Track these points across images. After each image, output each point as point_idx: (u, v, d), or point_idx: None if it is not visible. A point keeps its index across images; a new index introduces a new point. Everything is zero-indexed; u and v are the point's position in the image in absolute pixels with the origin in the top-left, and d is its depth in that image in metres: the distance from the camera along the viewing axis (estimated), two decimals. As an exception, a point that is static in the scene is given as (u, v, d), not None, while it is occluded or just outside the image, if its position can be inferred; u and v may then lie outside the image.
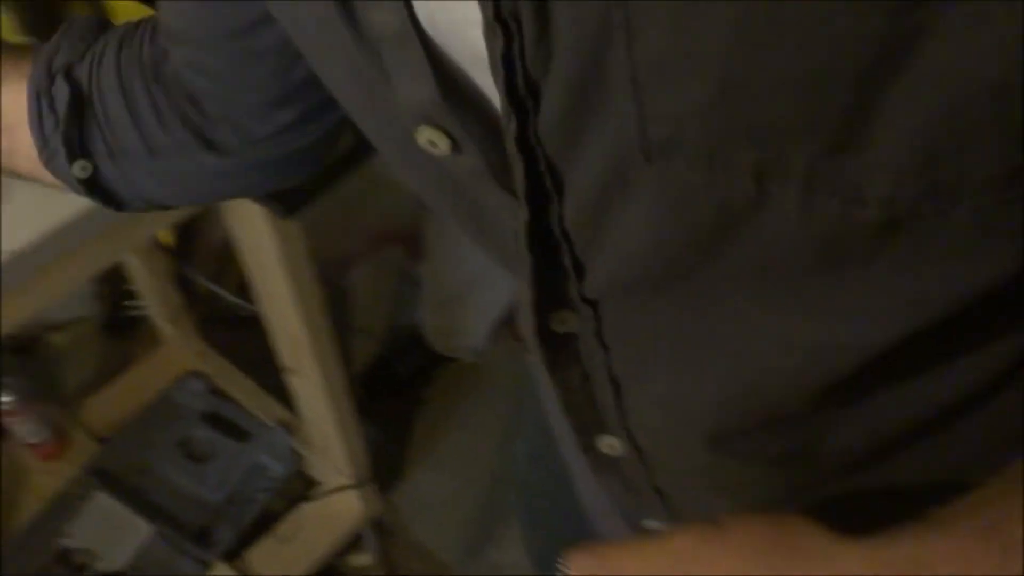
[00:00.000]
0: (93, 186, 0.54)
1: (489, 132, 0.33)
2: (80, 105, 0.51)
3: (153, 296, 1.47)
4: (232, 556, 1.32)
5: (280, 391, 1.49)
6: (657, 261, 0.34)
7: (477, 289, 1.48)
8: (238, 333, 1.67)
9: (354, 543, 1.41)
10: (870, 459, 0.43)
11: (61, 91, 0.51)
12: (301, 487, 1.43)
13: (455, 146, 0.34)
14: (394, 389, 1.58)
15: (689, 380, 0.40)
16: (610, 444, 0.46)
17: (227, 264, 1.78)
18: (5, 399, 1.32)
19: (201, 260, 1.71)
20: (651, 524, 0.52)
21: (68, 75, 0.52)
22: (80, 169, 0.52)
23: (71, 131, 0.52)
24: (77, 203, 0.71)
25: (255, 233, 0.90)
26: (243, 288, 1.73)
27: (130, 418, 1.45)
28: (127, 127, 0.52)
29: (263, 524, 1.37)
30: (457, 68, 0.33)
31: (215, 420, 1.44)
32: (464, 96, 0.33)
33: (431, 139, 0.34)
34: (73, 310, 1.72)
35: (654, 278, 0.35)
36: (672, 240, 0.33)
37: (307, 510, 1.37)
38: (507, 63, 0.29)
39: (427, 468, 1.56)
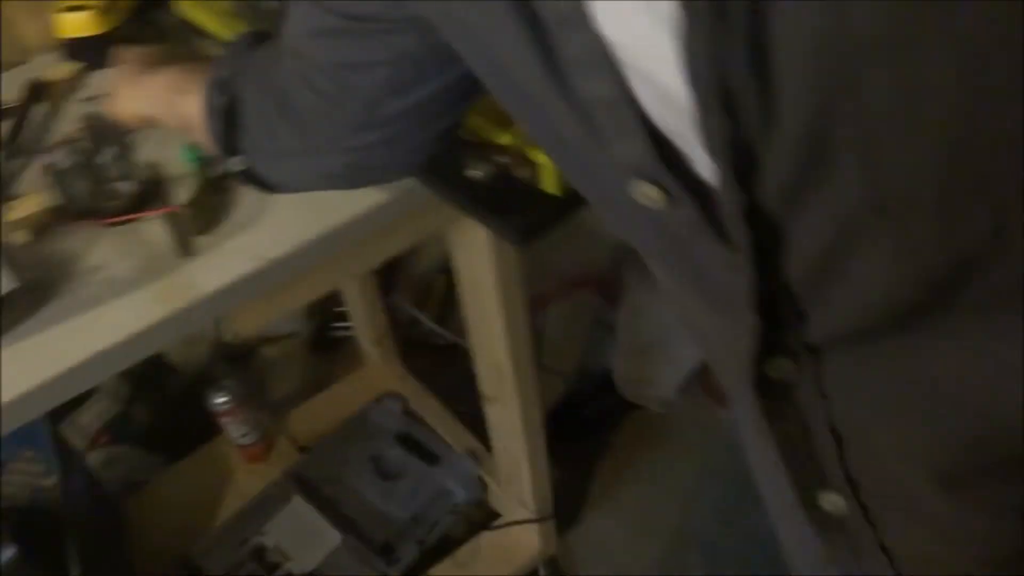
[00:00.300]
0: (248, 177, 0.66)
1: (705, 186, 0.34)
2: (232, 111, 0.62)
3: (361, 318, 1.56)
4: (411, 574, 1.36)
5: (471, 421, 1.54)
6: (889, 308, 0.34)
7: (672, 341, 1.47)
8: (434, 360, 1.74)
9: (529, 578, 1.42)
10: None
11: (219, 99, 0.63)
12: (481, 516, 1.46)
13: (671, 200, 0.35)
14: (579, 431, 1.59)
15: (919, 424, 0.39)
16: (833, 501, 0.45)
17: (427, 294, 1.87)
18: (222, 399, 1.42)
19: (404, 288, 1.79)
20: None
21: (226, 85, 0.62)
22: (236, 164, 0.65)
23: (226, 133, 0.63)
24: (319, 225, 0.78)
25: (476, 258, 0.94)
26: (441, 319, 1.80)
27: (330, 431, 1.53)
28: (260, 131, 0.62)
29: (443, 547, 1.40)
30: (670, 128, 0.34)
31: (407, 441, 1.50)
32: (678, 153, 0.34)
33: (646, 193, 0.35)
34: (285, 325, 1.84)
35: (885, 324, 0.35)
36: (905, 287, 0.33)
37: (486, 539, 1.39)
38: (730, 144, 0.30)
39: (605, 514, 1.55)
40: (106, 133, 0.92)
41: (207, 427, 1.50)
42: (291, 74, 0.57)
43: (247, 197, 0.82)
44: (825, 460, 0.43)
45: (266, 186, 0.68)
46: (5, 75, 1.03)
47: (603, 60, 0.33)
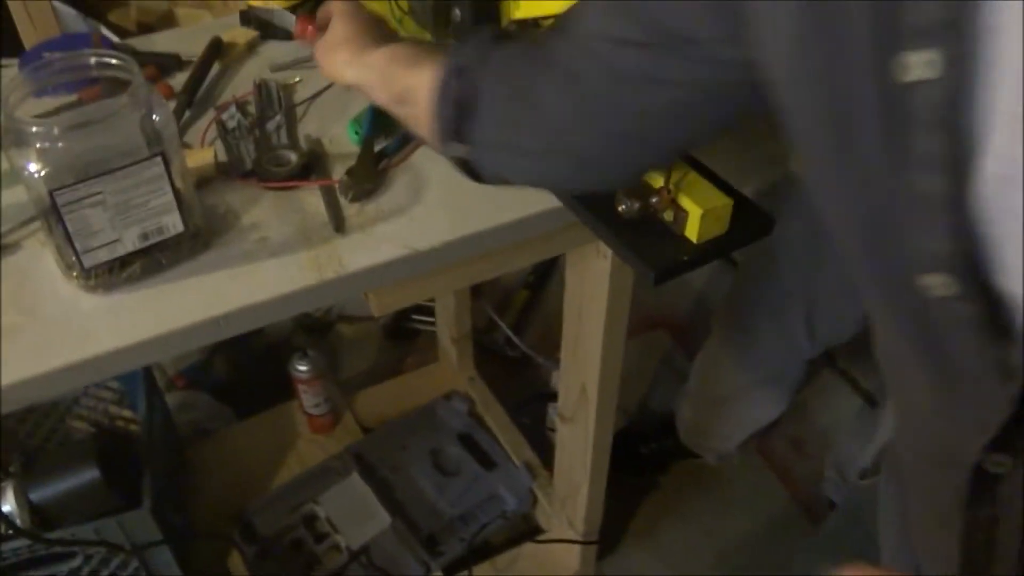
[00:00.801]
0: (461, 164, 0.69)
1: (996, 288, 0.36)
2: (468, 100, 0.63)
3: (446, 316, 1.61)
4: (451, 570, 1.40)
5: (530, 434, 1.58)
6: None
7: (742, 399, 1.50)
8: (503, 369, 1.78)
9: (561, 597, 1.45)
10: None
11: (456, 86, 0.64)
12: (526, 528, 1.50)
13: (962, 293, 0.36)
14: (633, 467, 1.62)
15: None
16: None
17: (507, 305, 1.91)
18: (304, 368, 1.48)
19: (488, 296, 1.84)
20: None
21: (465, 73, 0.64)
22: (456, 150, 0.67)
23: (456, 119, 0.64)
24: (465, 227, 0.83)
25: (592, 284, 0.99)
26: (517, 331, 1.84)
27: (395, 417, 1.59)
28: (499, 126, 0.63)
29: (485, 550, 1.44)
30: (973, 226, 0.35)
31: (468, 442, 1.54)
32: (975, 250, 0.36)
33: (936, 284, 0.37)
34: (365, 307, 1.91)
35: None
36: None
37: (528, 550, 1.43)
38: None
39: (644, 549, 1.57)
40: (274, 101, 0.98)
41: (281, 390, 1.57)
42: (557, 76, 0.57)
43: (401, 185, 0.87)
44: (1004, 551, 0.46)
45: (475, 175, 0.70)
46: (189, 31, 1.10)
47: (949, 161, 0.34)
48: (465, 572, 1.39)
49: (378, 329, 1.88)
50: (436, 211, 0.85)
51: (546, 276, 1.98)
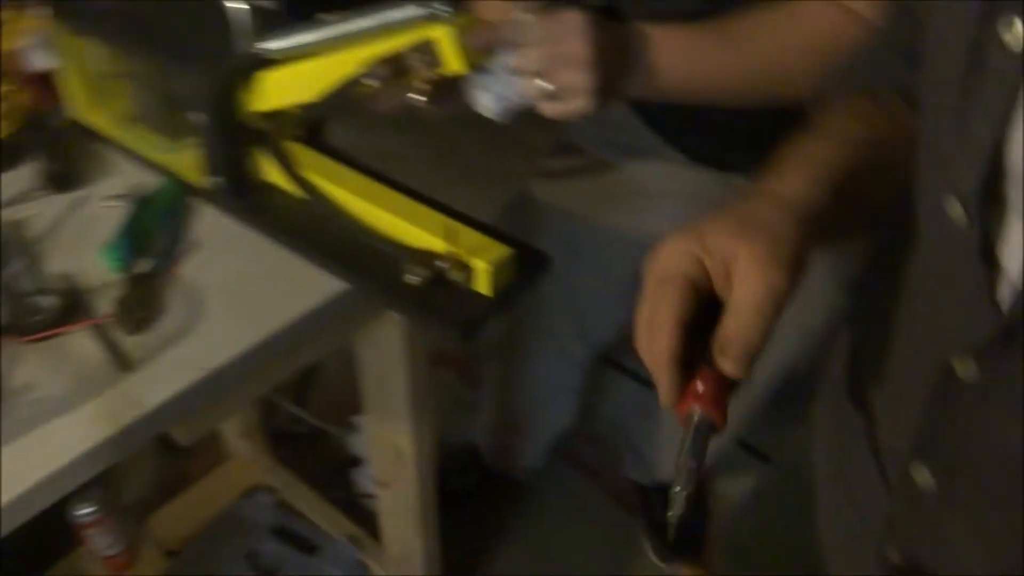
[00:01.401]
0: None
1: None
2: None
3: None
4: (303, 669, 1.35)
5: (345, 506, 1.55)
6: None
7: (535, 417, 1.56)
8: (297, 449, 1.73)
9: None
10: None
11: None
12: (366, 601, 1.47)
13: (969, 224, 0.44)
14: (449, 505, 1.63)
15: None
16: (923, 476, 0.53)
17: (285, 383, 1.86)
18: (88, 510, 1.36)
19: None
20: (894, 556, 0.59)
21: None
22: None
23: None
24: (258, 331, 0.81)
25: (388, 353, 0.99)
26: (300, 405, 1.80)
27: (198, 532, 1.49)
28: None
29: (332, 638, 1.40)
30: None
31: (283, 534, 1.49)
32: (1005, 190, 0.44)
33: (955, 211, 0.45)
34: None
35: None
36: None
37: (376, 623, 1.40)
38: None
39: (482, 583, 1.60)
40: (12, 244, 0.90)
41: (63, 541, 1.42)
42: None
43: (178, 304, 0.83)
44: (944, 444, 0.51)
45: None
46: None
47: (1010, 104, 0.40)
48: (316, 666, 1.34)
49: (152, 444, 1.75)
50: (223, 322, 0.82)
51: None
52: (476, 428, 1.66)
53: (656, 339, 0.49)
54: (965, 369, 0.48)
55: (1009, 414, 0.47)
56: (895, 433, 0.59)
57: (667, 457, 1.60)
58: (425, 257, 0.80)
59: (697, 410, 0.49)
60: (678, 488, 0.49)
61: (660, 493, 1.67)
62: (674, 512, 0.49)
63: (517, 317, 1.43)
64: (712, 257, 0.50)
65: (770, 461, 1.81)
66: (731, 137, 1.12)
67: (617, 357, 1.80)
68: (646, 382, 1.78)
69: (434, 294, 0.80)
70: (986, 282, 0.45)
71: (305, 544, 1.48)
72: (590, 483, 1.76)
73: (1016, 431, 0.47)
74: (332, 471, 1.66)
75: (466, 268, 0.80)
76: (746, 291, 0.48)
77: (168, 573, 1.42)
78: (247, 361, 0.80)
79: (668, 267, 0.50)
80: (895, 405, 0.59)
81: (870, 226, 0.60)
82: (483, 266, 0.79)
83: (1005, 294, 0.45)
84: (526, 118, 0.78)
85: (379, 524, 1.33)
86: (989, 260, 0.45)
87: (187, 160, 0.92)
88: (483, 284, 0.80)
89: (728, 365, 0.48)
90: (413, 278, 0.80)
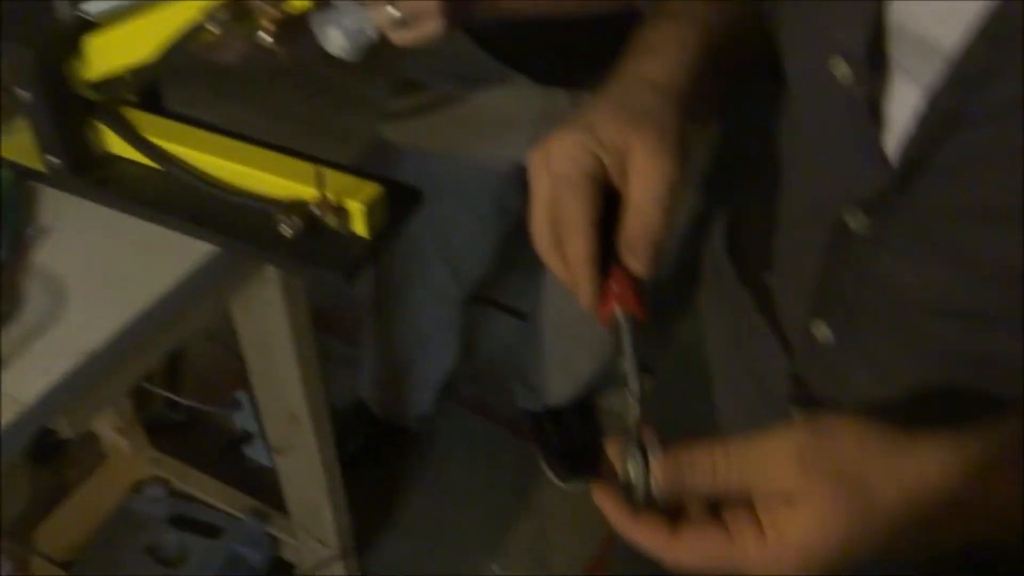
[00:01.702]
0: None
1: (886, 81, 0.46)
2: None
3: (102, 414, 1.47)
4: (226, 651, 1.32)
5: (240, 483, 1.52)
6: (991, 197, 0.43)
7: (418, 363, 1.56)
8: (176, 437, 1.68)
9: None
10: None
11: None
12: (282, 572, 1.45)
13: (857, 80, 0.46)
14: (347, 467, 1.62)
15: (947, 280, 0.47)
16: (822, 331, 0.56)
17: (153, 371, 1.79)
18: (-35, 536, 1.28)
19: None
20: (797, 416, 0.62)
21: None
22: None
23: None
24: (129, 307, 0.77)
25: (268, 313, 0.97)
26: (174, 391, 1.74)
27: (92, 538, 1.43)
28: None
29: (251, 615, 1.38)
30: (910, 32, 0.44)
31: (182, 522, 1.44)
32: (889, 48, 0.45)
33: (841, 70, 0.46)
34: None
35: (978, 208, 0.44)
36: None
37: (294, 592, 1.39)
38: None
39: (393, 536, 1.60)
40: None
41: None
42: None
43: (34, 294, 0.78)
44: (848, 294, 0.52)
45: None
46: None
47: None
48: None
49: (20, 460, 1.65)
50: (89, 304, 0.78)
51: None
52: (361, 385, 1.65)
53: (571, 242, 0.48)
54: (856, 221, 0.49)
55: (901, 259, 0.49)
56: (789, 301, 0.62)
57: (553, 382, 1.64)
58: (296, 207, 0.78)
59: (619, 311, 0.48)
60: (631, 394, 0.47)
61: (552, 417, 1.71)
62: (633, 415, 0.46)
63: (389, 265, 1.42)
64: (607, 152, 0.48)
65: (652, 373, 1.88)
66: (574, 55, 1.14)
67: (487, 294, 1.82)
68: (519, 314, 1.81)
69: (311, 243, 0.79)
70: (874, 136, 0.47)
71: (207, 528, 1.44)
72: (483, 420, 1.79)
73: (908, 275, 0.49)
74: (222, 451, 1.61)
75: (340, 211, 0.78)
76: (645, 186, 0.48)
77: (66, 584, 1.36)
78: (123, 339, 0.76)
79: (566, 166, 0.48)
80: (786, 273, 0.62)
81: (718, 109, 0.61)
82: (357, 206, 0.78)
83: (890, 146, 0.47)
84: (360, 69, 0.76)
85: (282, 493, 1.31)
86: (875, 115, 0.47)
87: (20, 143, 0.86)
88: (359, 225, 0.79)
89: (636, 264, 0.48)
90: (287, 229, 0.78)
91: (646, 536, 0.43)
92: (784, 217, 0.61)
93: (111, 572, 1.38)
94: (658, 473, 0.42)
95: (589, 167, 0.48)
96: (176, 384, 1.80)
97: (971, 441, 0.40)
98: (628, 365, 0.47)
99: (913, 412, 0.53)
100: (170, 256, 0.81)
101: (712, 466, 0.41)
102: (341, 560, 1.36)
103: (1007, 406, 0.43)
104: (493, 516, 1.64)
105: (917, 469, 0.40)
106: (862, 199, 0.49)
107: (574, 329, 1.53)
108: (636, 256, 0.48)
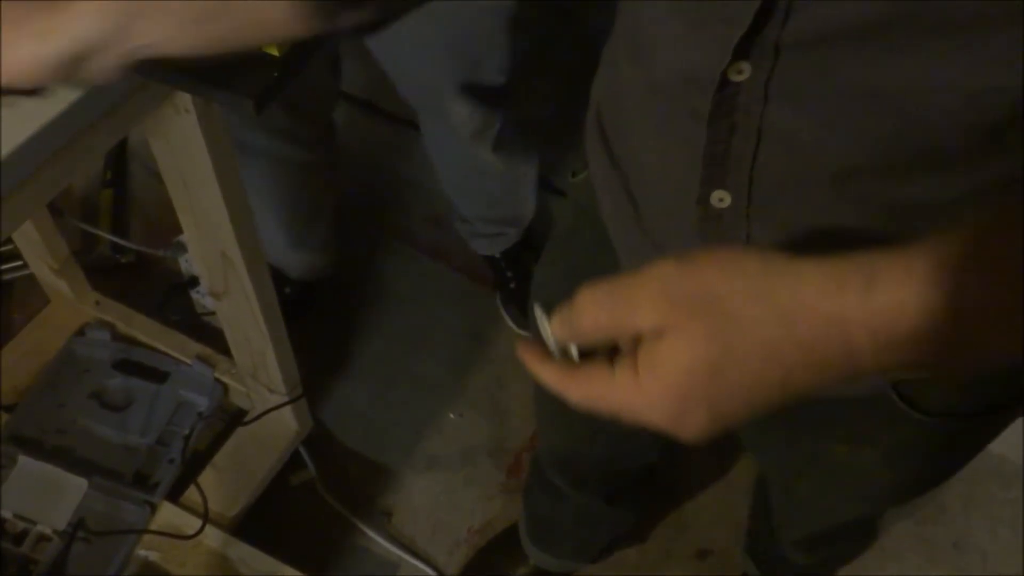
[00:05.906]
0: None
1: None
2: None
3: (34, 251, 1.40)
4: (176, 494, 1.32)
5: (188, 328, 1.48)
6: (872, 10, 0.40)
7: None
8: (123, 280, 1.63)
9: (292, 461, 1.43)
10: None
11: None
12: (230, 418, 1.43)
13: None
14: (292, 312, 1.58)
15: (843, 125, 0.45)
16: (721, 197, 0.52)
17: (96, 213, 1.72)
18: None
19: (71, 211, 1.63)
20: None
21: None
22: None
23: None
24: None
25: (188, 149, 0.89)
26: (119, 233, 1.67)
27: (35, 380, 1.40)
28: None
29: (201, 458, 1.37)
30: None
31: (127, 366, 1.41)
32: None
33: None
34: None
35: (852, 31, 0.41)
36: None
37: (243, 435, 1.37)
38: None
39: (348, 384, 1.59)
40: None
41: None
42: None
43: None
44: (738, 157, 0.50)
45: None
46: None
47: None
48: (192, 487, 1.31)
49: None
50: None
51: (122, 167, 1.79)
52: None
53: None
54: (739, 72, 0.46)
55: (790, 108, 0.46)
56: (677, 175, 0.57)
57: (473, 201, 1.59)
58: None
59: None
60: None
61: (511, 263, 1.67)
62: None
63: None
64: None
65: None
66: None
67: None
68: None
69: (218, 64, 0.71)
70: None
71: (153, 373, 1.41)
72: (442, 265, 1.74)
73: (800, 119, 0.46)
74: (168, 295, 1.57)
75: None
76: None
77: (9, 427, 1.34)
78: (14, 161, 0.69)
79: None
80: (668, 149, 0.56)
81: None
82: (265, 23, 0.70)
83: None
84: None
85: (225, 338, 1.27)
86: None
87: None
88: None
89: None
90: (188, 49, 0.70)
91: (548, 378, 0.45)
92: (660, 89, 0.54)
93: (55, 416, 1.36)
94: (554, 326, 0.44)
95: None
96: (122, 226, 1.73)
97: (877, 258, 0.36)
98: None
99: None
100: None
101: (595, 311, 0.42)
102: (291, 406, 1.34)
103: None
104: (451, 363, 1.62)
105: (791, 288, 0.37)
106: (742, 49, 0.45)
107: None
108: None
